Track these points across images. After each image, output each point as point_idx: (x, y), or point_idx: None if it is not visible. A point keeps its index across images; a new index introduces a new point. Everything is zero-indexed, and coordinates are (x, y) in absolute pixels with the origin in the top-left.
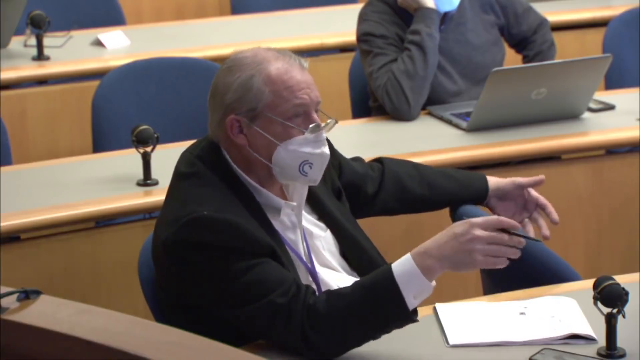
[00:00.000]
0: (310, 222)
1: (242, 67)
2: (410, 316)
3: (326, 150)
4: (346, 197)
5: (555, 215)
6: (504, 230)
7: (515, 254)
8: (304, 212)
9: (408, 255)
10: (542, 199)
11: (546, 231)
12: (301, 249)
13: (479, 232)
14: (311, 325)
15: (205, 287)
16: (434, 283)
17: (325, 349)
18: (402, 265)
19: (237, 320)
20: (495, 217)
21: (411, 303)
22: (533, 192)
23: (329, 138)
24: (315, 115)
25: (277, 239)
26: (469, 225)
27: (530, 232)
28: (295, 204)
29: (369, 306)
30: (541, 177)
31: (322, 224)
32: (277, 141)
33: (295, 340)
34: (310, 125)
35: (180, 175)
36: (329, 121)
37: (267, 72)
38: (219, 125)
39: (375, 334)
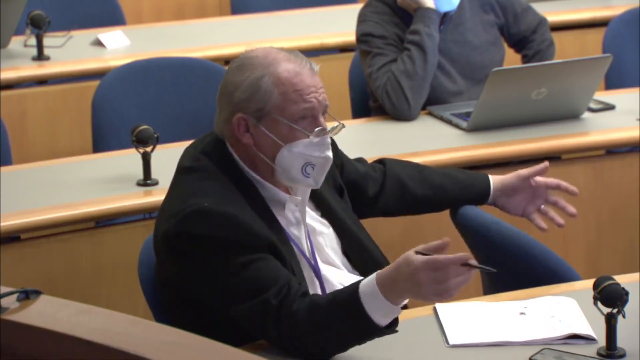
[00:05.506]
0: (313, 218)
1: (252, 67)
2: (384, 331)
3: (330, 154)
4: (348, 197)
5: (573, 188)
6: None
7: (464, 277)
8: (307, 209)
9: (374, 280)
10: (551, 181)
11: (560, 220)
12: (305, 246)
13: (423, 277)
14: (293, 333)
15: (203, 280)
16: (406, 301)
17: (310, 355)
18: (368, 288)
19: (231, 315)
20: (433, 258)
21: (381, 321)
22: (539, 178)
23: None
24: (322, 119)
25: (281, 235)
26: (412, 270)
27: (548, 218)
28: (299, 198)
29: (343, 323)
30: (545, 164)
31: (325, 221)
32: (282, 142)
33: (284, 344)
34: (316, 129)
35: (183, 169)
36: (335, 125)
37: (276, 74)
38: (226, 123)
39: (354, 345)
